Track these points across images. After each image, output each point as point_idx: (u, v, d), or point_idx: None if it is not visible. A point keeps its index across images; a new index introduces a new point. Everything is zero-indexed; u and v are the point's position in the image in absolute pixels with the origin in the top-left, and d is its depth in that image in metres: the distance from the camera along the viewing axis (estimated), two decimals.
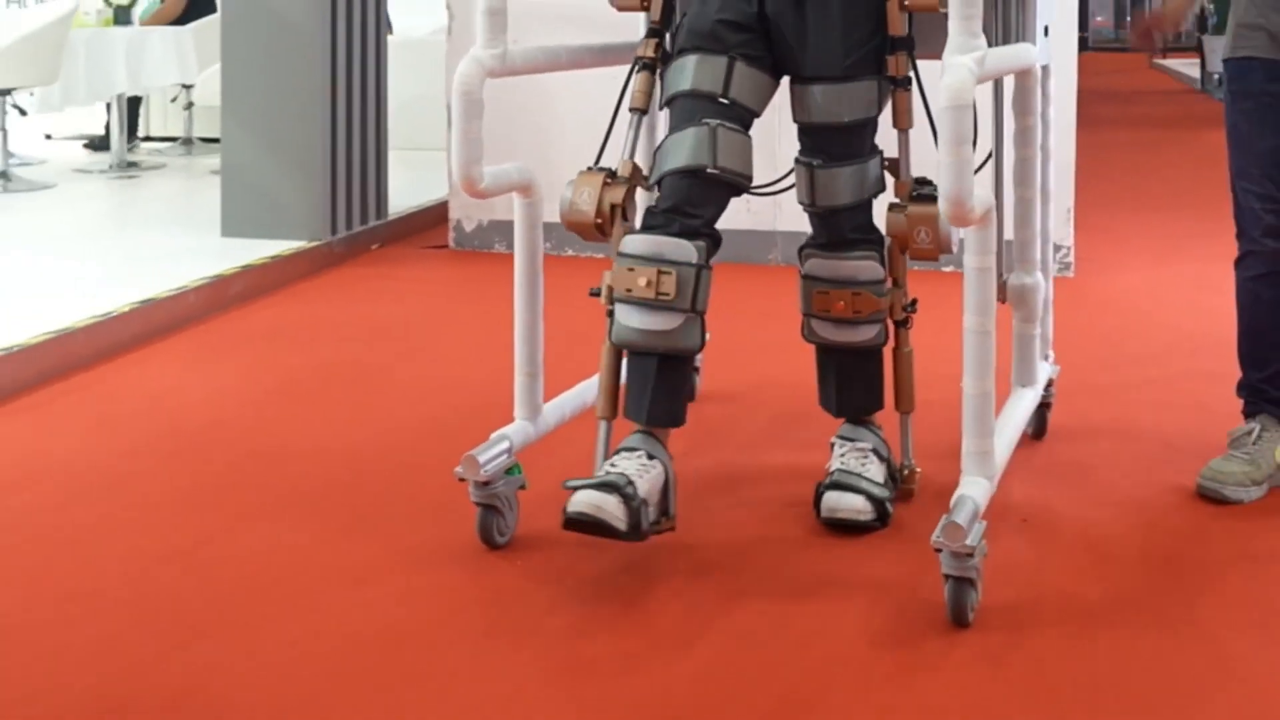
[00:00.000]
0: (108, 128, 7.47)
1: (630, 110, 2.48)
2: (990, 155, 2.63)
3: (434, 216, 5.63)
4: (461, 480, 2.21)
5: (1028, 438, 2.79)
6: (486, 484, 2.23)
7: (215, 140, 7.46)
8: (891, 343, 2.43)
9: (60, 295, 4.07)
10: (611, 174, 2.37)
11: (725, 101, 2.32)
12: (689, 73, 2.34)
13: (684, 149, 2.28)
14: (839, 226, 2.39)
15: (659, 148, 2.37)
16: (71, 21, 6.55)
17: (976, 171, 2.24)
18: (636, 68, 2.48)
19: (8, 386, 3.34)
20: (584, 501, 2.05)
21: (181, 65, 7.21)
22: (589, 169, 2.40)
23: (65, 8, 6.52)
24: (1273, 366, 2.62)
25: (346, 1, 4.99)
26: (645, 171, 2.44)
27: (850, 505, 2.32)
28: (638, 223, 2.33)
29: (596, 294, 2.35)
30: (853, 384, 2.49)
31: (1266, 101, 2.55)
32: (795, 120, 2.41)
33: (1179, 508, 2.55)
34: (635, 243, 2.25)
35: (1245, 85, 2.61)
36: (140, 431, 3.05)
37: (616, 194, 2.33)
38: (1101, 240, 5.30)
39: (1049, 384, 2.84)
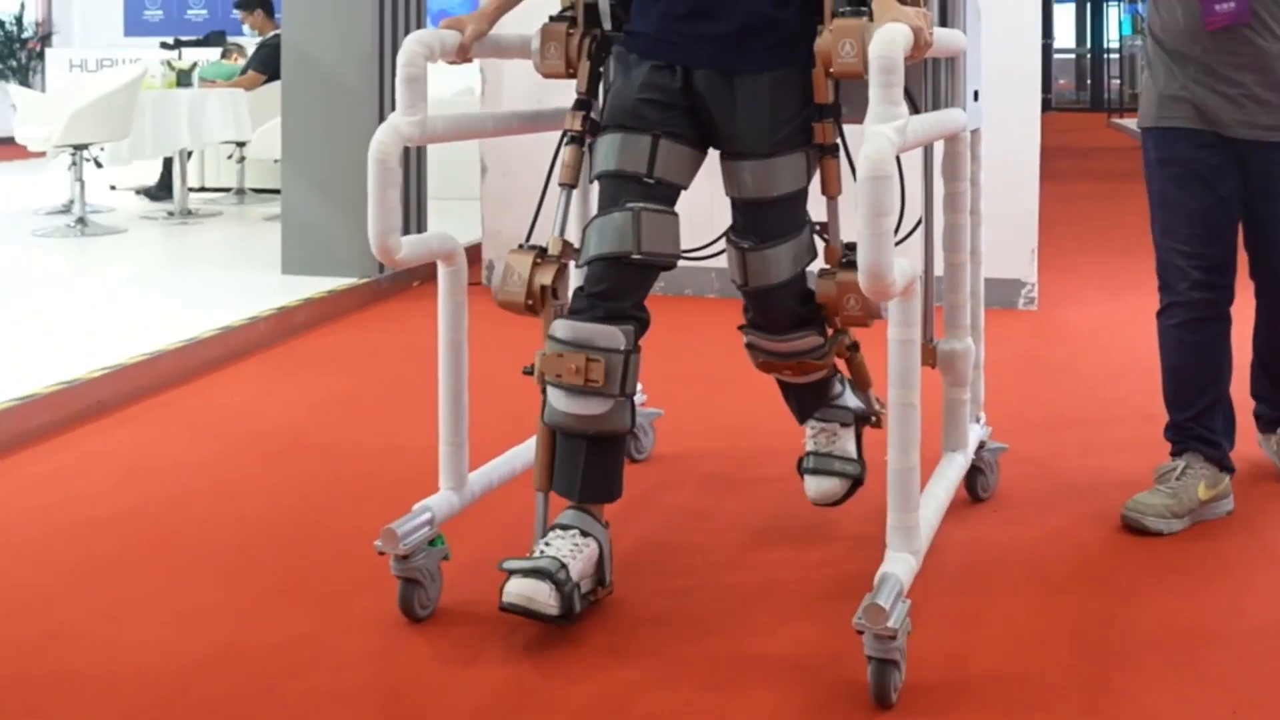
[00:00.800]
0: (162, 178, 7.62)
1: (560, 185, 2.32)
2: (920, 221, 2.50)
3: (468, 257, 5.76)
4: (381, 554, 2.06)
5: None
6: (407, 557, 2.08)
7: (264, 190, 7.74)
8: (846, 360, 2.42)
9: (149, 323, 4.23)
10: (542, 251, 2.25)
11: (650, 181, 2.19)
12: (613, 152, 2.22)
13: (609, 235, 2.16)
14: (774, 306, 2.27)
15: (586, 227, 2.26)
16: (141, 84, 6.65)
17: (906, 237, 2.21)
18: (565, 140, 2.34)
19: (109, 401, 3.52)
20: (517, 592, 1.98)
21: (237, 123, 7.32)
22: (520, 247, 2.28)
23: (135, 72, 6.71)
24: (1196, 407, 2.61)
25: (391, 69, 5.23)
26: (577, 244, 2.32)
27: (827, 489, 2.38)
28: (571, 293, 2.25)
29: (529, 373, 2.22)
30: (810, 400, 2.49)
31: (1194, 168, 2.53)
32: (727, 194, 2.28)
33: (1107, 538, 2.50)
34: (564, 328, 2.14)
35: (1172, 153, 2.58)
36: (228, 438, 3.23)
37: (546, 275, 2.21)
38: (1064, 279, 5.40)
39: (981, 446, 2.68)
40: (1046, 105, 18.21)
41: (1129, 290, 5.19)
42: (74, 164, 6.60)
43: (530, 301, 2.20)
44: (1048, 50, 18.75)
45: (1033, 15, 5.24)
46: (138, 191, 7.81)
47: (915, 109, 2.32)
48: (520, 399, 2.74)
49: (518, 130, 2.60)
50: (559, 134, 2.34)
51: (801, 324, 2.25)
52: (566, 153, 2.31)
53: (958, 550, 2.44)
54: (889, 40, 1.80)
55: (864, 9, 2.08)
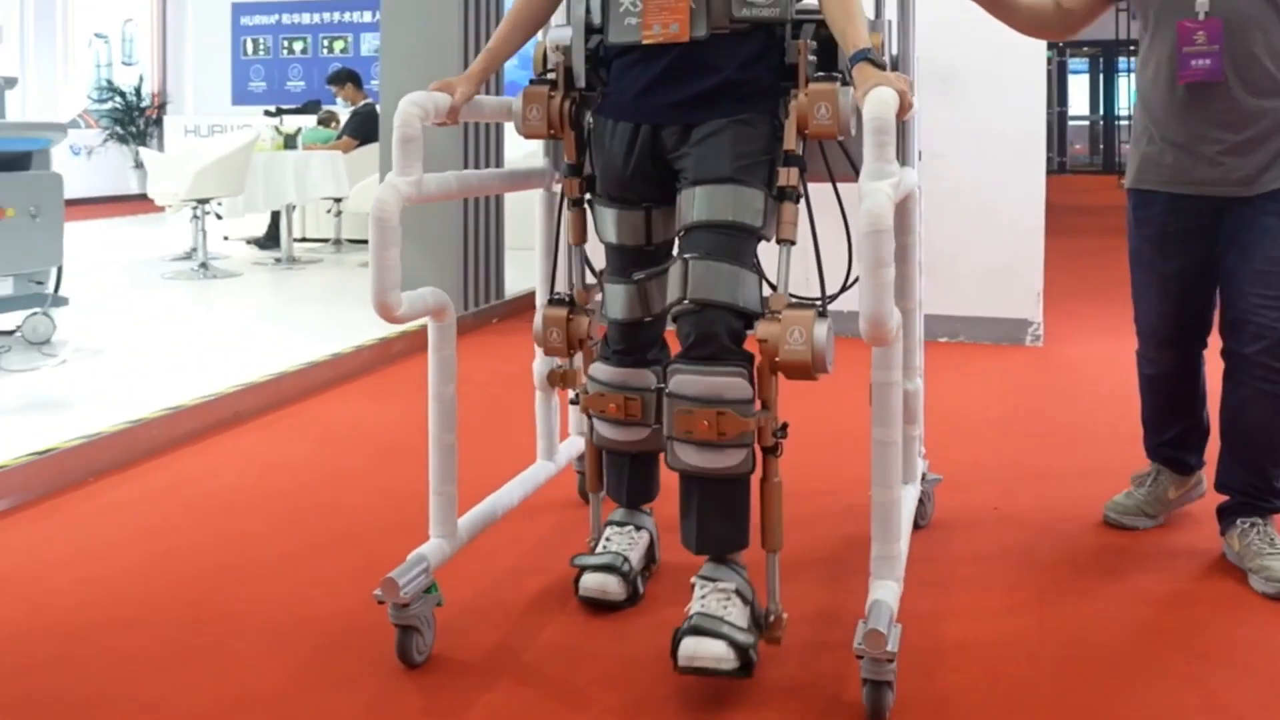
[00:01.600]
0: (269, 229, 7.85)
1: (571, 244, 2.37)
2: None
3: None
4: (380, 602, 1.97)
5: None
6: (405, 605, 1.98)
7: (357, 241, 7.99)
8: (759, 472, 1.98)
9: (271, 349, 4.48)
10: (571, 305, 2.28)
11: (650, 248, 2.22)
12: (614, 227, 2.23)
13: (621, 303, 2.22)
14: (711, 325, 1.95)
15: (603, 283, 2.28)
16: (254, 147, 6.87)
17: (852, 284, 2.08)
18: (568, 205, 2.33)
19: (246, 411, 3.81)
20: (593, 586, 2.21)
21: (336, 181, 7.46)
22: (551, 302, 2.31)
23: (249, 136, 6.94)
24: (1169, 432, 2.64)
25: (474, 135, 5.52)
26: (590, 278, 2.39)
27: (710, 652, 1.85)
28: (600, 334, 2.32)
29: (575, 402, 2.39)
30: (715, 517, 2.02)
31: (1169, 231, 2.46)
32: (680, 223, 2.07)
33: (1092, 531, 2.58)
34: (603, 372, 2.23)
35: (1148, 214, 2.51)
36: (346, 445, 3.50)
37: (580, 327, 2.26)
38: (1069, 320, 5.47)
39: (922, 477, 2.62)
40: (1061, 168, 18.01)
41: (1126, 331, 4.99)
42: (195, 216, 6.81)
43: (571, 350, 2.28)
44: (1063, 117, 18.46)
45: (1039, 86, 5.32)
46: (248, 241, 8.05)
47: (857, 171, 2.05)
48: (506, 430, 2.93)
49: (500, 189, 2.60)
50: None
51: (731, 357, 1.95)
52: (571, 217, 2.31)
53: (965, 546, 2.53)
54: (881, 103, 1.78)
55: (836, 74, 2.04)
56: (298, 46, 11.91)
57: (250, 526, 2.77)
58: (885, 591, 1.86)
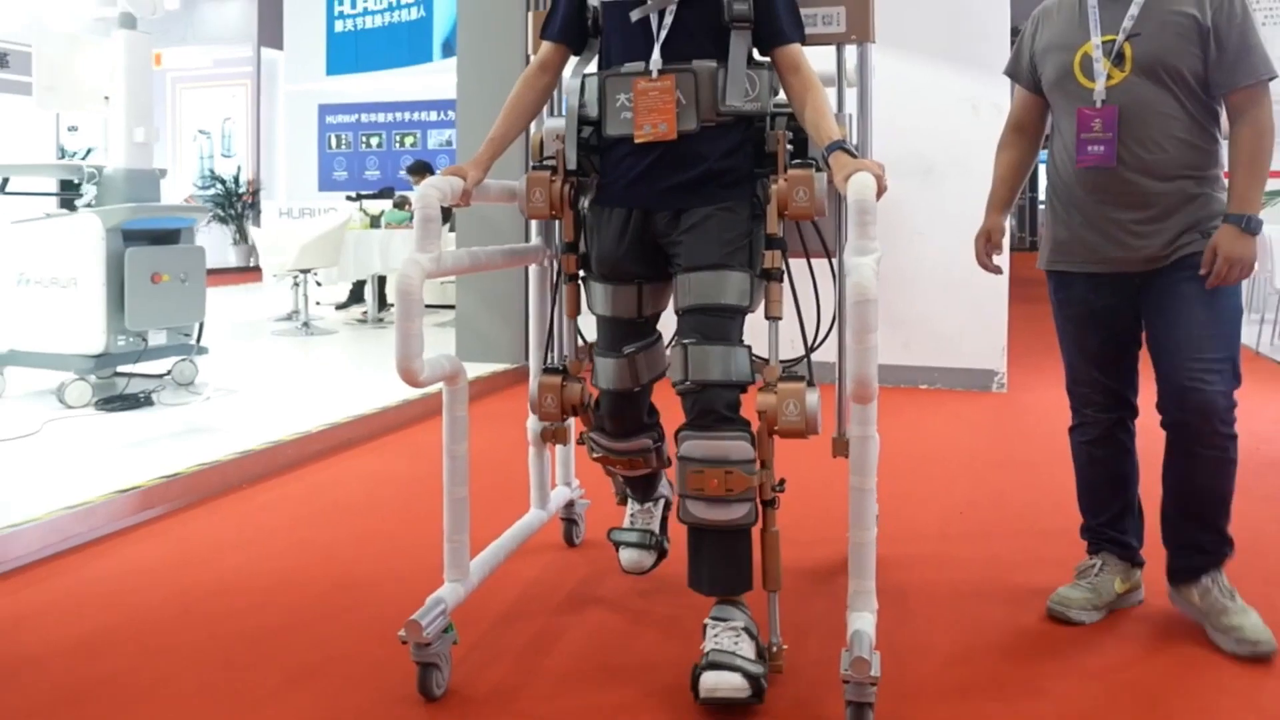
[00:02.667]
0: (350, 295, 8.03)
1: (566, 317, 2.28)
2: (831, 326, 2.23)
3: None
4: (404, 642, 1.91)
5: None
6: (427, 645, 1.92)
7: (431, 305, 7.96)
8: (760, 523, 1.99)
9: (371, 390, 4.71)
10: (565, 374, 2.22)
11: (640, 320, 2.15)
12: (608, 301, 2.14)
13: (612, 374, 2.13)
14: (711, 402, 1.96)
15: (595, 356, 2.17)
16: (346, 226, 7.15)
17: (820, 344, 2.15)
18: (564, 280, 2.24)
19: (355, 439, 4.09)
20: (630, 562, 2.36)
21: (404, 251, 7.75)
22: (546, 371, 2.24)
23: (342, 217, 7.22)
24: (1107, 513, 2.35)
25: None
26: (582, 344, 2.35)
27: (729, 684, 1.88)
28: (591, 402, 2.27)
29: (582, 442, 2.34)
30: (722, 564, 2.02)
31: (1088, 309, 2.25)
32: (676, 308, 2.06)
33: (1031, 631, 2.25)
34: (601, 439, 2.24)
35: (1067, 295, 2.30)
36: (435, 464, 3.69)
37: (573, 394, 2.21)
38: (1030, 372, 5.56)
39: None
40: (1032, 246, 17.67)
41: None
42: (296, 284, 7.05)
43: (565, 415, 2.25)
44: (1033, 202, 18.44)
45: None
46: (338, 307, 8.26)
47: (828, 250, 2.25)
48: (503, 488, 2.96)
49: (503, 265, 2.41)
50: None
51: (732, 425, 1.96)
52: (567, 290, 2.23)
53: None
54: (863, 186, 1.75)
55: (810, 160, 2.01)
56: (374, 141, 12.01)
57: (366, 525, 3.06)
58: (864, 622, 1.82)
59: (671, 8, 2.03)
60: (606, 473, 2.41)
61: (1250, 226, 2.08)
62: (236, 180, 13.84)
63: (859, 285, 1.64)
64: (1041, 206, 18.81)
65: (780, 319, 2.04)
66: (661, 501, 2.47)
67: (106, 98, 4.69)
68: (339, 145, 12.21)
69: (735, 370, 1.97)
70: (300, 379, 5.32)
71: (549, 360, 2.38)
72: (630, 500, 2.49)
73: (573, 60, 2.22)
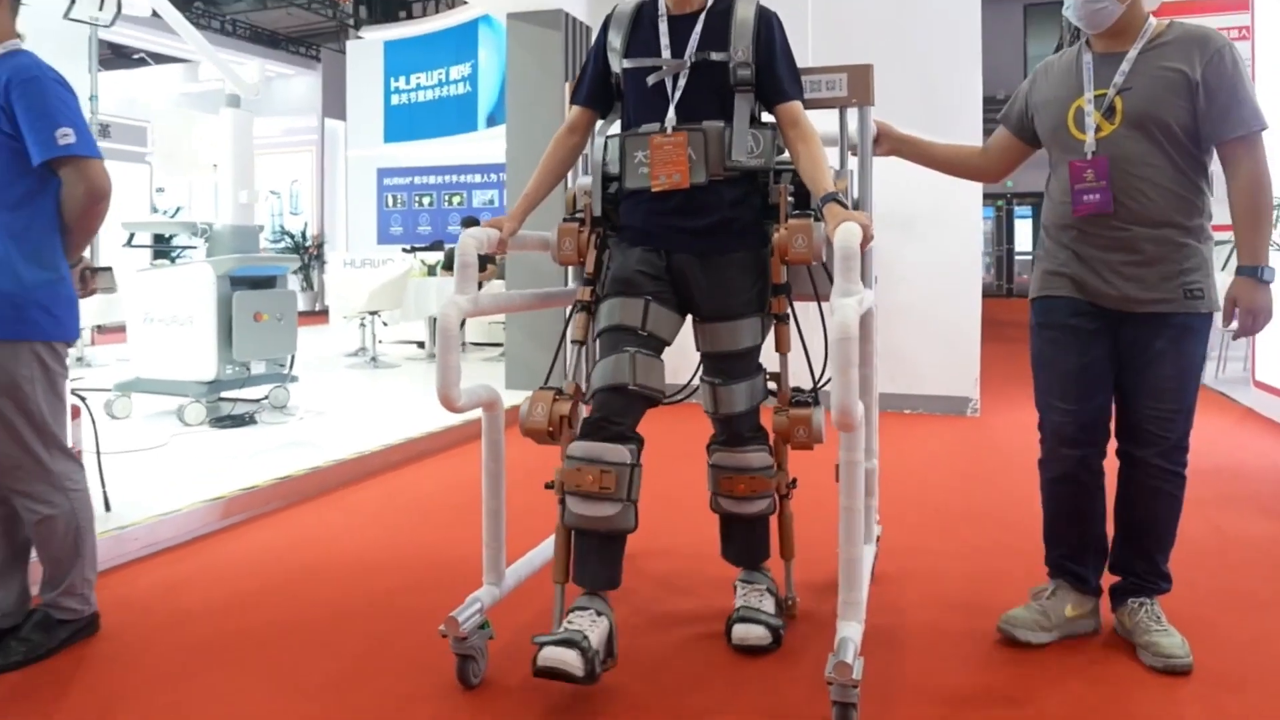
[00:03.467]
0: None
1: (572, 342, 2.17)
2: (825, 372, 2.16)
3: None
4: (443, 636, 1.92)
5: None
6: (464, 639, 1.93)
7: (477, 343, 8.24)
8: (778, 510, 2.22)
9: (435, 412, 4.96)
10: (559, 392, 2.08)
11: (644, 333, 2.03)
12: (615, 312, 2.06)
13: (610, 370, 1.99)
14: (736, 427, 2.15)
15: (592, 370, 2.08)
16: (409, 274, 7.40)
17: (823, 387, 2.02)
18: (576, 309, 2.17)
19: (426, 451, 4.35)
20: (550, 657, 1.80)
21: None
22: (541, 388, 2.11)
23: (404, 267, 7.44)
24: (1066, 546, 2.23)
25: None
26: (584, 386, 2.17)
27: (755, 634, 2.09)
28: (581, 423, 2.06)
29: (550, 487, 2.03)
30: (749, 543, 2.27)
31: (1070, 330, 2.13)
32: (699, 349, 2.15)
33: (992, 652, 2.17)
34: (580, 448, 1.97)
35: (1050, 319, 2.17)
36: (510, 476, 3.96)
37: (564, 408, 2.05)
38: (999, 398, 5.70)
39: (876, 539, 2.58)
40: (1009, 293, 17.62)
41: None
42: (363, 324, 7.32)
43: (551, 429, 2.04)
44: (1010, 253, 18.27)
45: (976, 228, 5.51)
46: (420, 344, 8.33)
47: (818, 295, 2.26)
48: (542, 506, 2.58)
49: (540, 305, 2.39)
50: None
51: (754, 441, 2.16)
52: (577, 318, 2.16)
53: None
54: (849, 235, 1.73)
55: (809, 211, 2.03)
56: (425, 200, 12.21)
57: (434, 524, 3.26)
58: (851, 630, 1.81)
59: (685, 72, 2.05)
60: (556, 577, 2.05)
61: (1264, 276, 2.01)
62: (304, 235, 14.10)
63: (841, 324, 1.63)
64: (1019, 257, 18.83)
65: (789, 351, 2.13)
66: (606, 621, 1.95)
67: (215, 165, 5.10)
68: (395, 204, 12.42)
69: (754, 397, 2.13)
70: (374, 403, 5.55)
71: (547, 383, 2.20)
72: (572, 611, 1.97)
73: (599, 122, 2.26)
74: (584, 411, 2.09)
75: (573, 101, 2.24)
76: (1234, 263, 2.06)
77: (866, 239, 1.81)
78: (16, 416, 2.11)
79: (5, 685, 2.07)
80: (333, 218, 14.38)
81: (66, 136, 2.09)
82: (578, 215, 2.22)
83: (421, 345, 8.28)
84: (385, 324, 7.54)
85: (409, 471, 4.11)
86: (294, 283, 13.65)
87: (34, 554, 2.29)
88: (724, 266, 2.07)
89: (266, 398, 5.03)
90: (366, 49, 12.29)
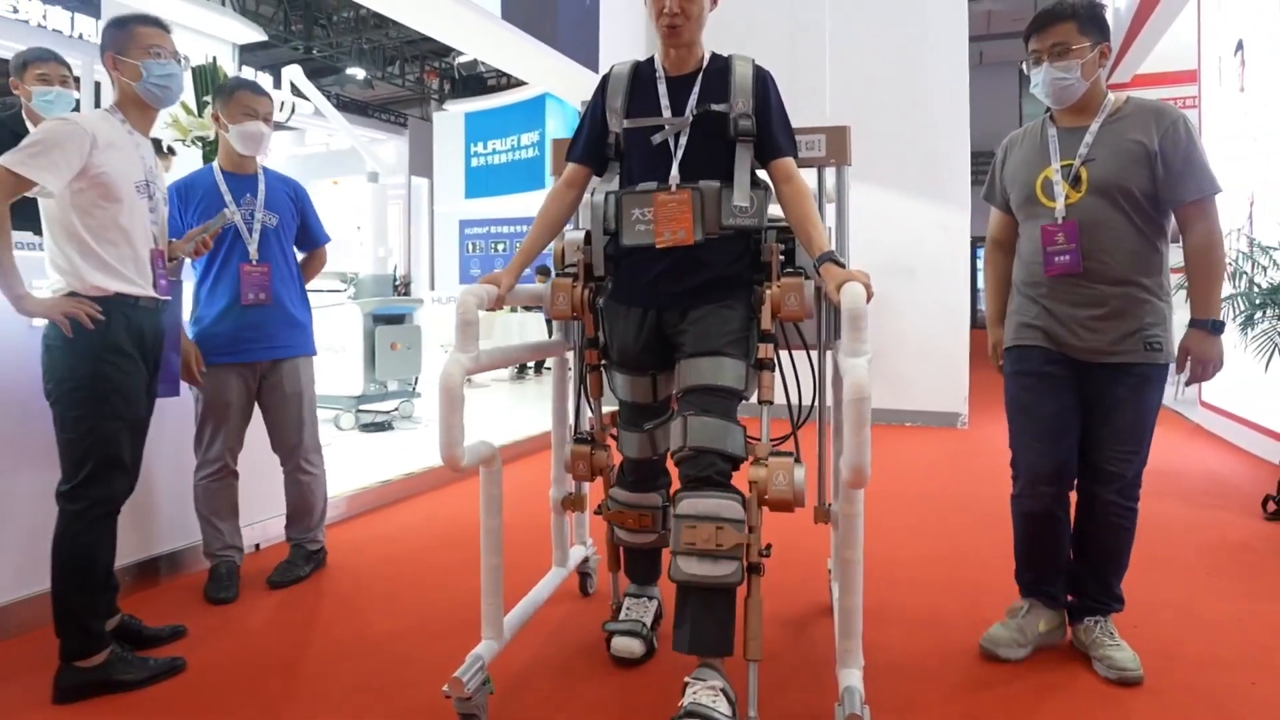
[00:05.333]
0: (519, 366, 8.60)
1: (589, 399, 2.15)
2: (813, 404, 2.15)
3: None
4: (447, 697, 1.78)
5: None
6: (468, 698, 1.77)
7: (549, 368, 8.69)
8: (745, 589, 1.77)
9: (524, 422, 5.35)
10: (593, 442, 2.13)
11: (655, 404, 2.04)
12: (628, 388, 2.03)
13: (634, 446, 2.05)
14: (706, 468, 1.79)
15: (620, 430, 2.09)
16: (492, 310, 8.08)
17: (804, 424, 2.02)
18: (587, 369, 2.12)
19: (524, 452, 4.79)
20: (620, 647, 2.09)
21: (539, 330, 8.27)
22: (577, 440, 2.14)
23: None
24: (1038, 570, 2.20)
25: None
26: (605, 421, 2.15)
27: None
28: (616, 466, 2.17)
29: (600, 514, 2.19)
30: (707, 625, 1.75)
31: (1045, 377, 2.08)
32: (679, 387, 1.89)
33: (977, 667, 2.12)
34: (622, 495, 2.12)
35: (1025, 366, 2.12)
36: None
37: (601, 459, 2.12)
38: (985, 413, 5.82)
39: None
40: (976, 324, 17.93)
41: None
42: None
43: (594, 475, 2.15)
44: (975, 289, 18.86)
45: (964, 273, 5.67)
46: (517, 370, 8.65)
47: (805, 344, 2.17)
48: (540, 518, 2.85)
49: (534, 356, 2.26)
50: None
51: (724, 488, 1.80)
52: (591, 378, 2.12)
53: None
54: (856, 295, 1.61)
55: (799, 269, 1.93)
56: (500, 247, 12.77)
57: (521, 513, 3.26)
58: (853, 679, 1.70)
59: (686, 130, 1.92)
60: (614, 539, 2.21)
61: (1215, 329, 1.99)
62: (394, 276, 14.61)
63: (855, 384, 1.49)
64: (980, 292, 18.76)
65: (771, 403, 1.88)
66: (655, 603, 2.27)
67: (359, 227, 5.87)
68: (474, 250, 13.11)
69: (730, 443, 1.81)
70: (474, 414, 5.56)
71: (576, 431, 2.29)
72: (627, 597, 2.28)
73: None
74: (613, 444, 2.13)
75: (569, 158, 2.08)
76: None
77: (870, 297, 1.67)
78: (308, 407, 2.86)
79: (282, 594, 2.77)
80: (417, 260, 14.92)
81: (326, 229, 2.88)
82: (569, 270, 2.09)
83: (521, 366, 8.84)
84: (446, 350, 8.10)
85: (510, 470, 4.54)
86: (419, 318, 14.20)
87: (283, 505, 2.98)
88: (710, 311, 1.92)
89: (397, 409, 5.58)
90: (450, 119, 13.10)
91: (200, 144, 3.48)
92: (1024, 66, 2.03)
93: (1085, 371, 2.06)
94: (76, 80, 2.89)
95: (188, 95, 3.86)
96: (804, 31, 6.06)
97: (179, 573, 2.91)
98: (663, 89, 1.97)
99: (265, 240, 2.75)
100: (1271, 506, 3.60)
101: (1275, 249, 4.13)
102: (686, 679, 1.78)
